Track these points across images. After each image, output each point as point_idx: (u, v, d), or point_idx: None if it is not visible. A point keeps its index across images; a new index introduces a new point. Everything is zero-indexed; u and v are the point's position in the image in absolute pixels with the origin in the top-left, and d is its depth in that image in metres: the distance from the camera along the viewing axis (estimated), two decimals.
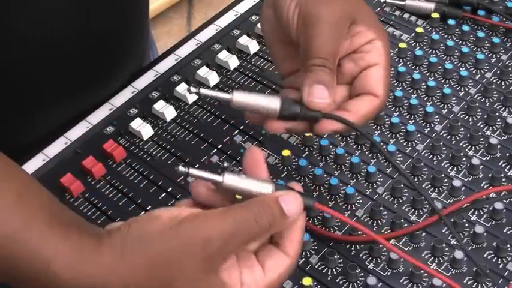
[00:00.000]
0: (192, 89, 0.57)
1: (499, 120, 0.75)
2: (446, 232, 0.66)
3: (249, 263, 0.53)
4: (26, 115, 0.79)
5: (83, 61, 0.79)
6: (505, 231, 0.66)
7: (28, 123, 0.80)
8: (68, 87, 0.79)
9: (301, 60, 0.61)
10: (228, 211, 0.52)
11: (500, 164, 0.71)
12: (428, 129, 0.75)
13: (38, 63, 0.75)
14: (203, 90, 0.57)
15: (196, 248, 0.50)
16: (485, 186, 0.69)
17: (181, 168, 0.54)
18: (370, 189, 0.70)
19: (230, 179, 0.54)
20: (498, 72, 0.79)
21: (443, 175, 0.70)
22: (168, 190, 0.72)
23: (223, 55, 0.83)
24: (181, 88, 0.80)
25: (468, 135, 0.73)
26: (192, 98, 0.80)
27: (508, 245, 0.64)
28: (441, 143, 0.72)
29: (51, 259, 0.50)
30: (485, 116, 0.75)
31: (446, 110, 0.76)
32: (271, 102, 0.59)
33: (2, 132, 0.78)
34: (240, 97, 0.59)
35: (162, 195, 0.72)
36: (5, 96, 0.76)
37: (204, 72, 0.82)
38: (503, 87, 0.78)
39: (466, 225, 0.66)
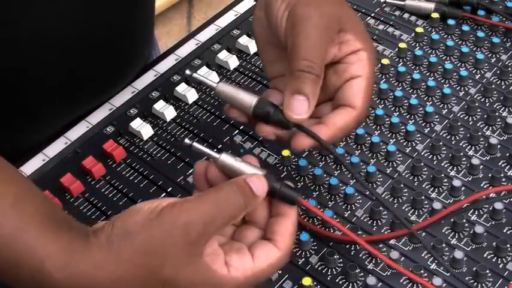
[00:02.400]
0: (187, 71, 0.62)
1: (498, 120, 0.75)
2: (446, 232, 0.66)
3: (239, 250, 0.55)
4: (32, 116, 0.79)
5: (90, 62, 0.79)
6: (504, 231, 0.66)
7: (34, 124, 0.80)
8: (75, 88, 0.79)
9: (288, 61, 0.60)
10: (204, 195, 0.54)
11: (500, 164, 0.71)
12: (428, 129, 0.75)
13: (44, 64, 0.75)
14: (195, 75, 0.62)
15: (177, 234, 0.52)
16: (485, 186, 0.69)
17: (187, 141, 0.58)
18: None
19: (226, 158, 0.57)
20: (498, 72, 0.79)
21: (443, 175, 0.70)
22: (168, 190, 0.72)
23: (223, 55, 0.84)
24: (181, 88, 0.80)
25: (468, 135, 0.73)
26: (192, 98, 0.80)
27: (508, 245, 0.64)
28: (441, 143, 0.72)
29: (44, 259, 0.51)
30: (485, 116, 0.75)
31: (446, 110, 0.76)
32: (248, 99, 0.61)
33: (6, 132, 0.78)
34: (223, 87, 0.61)
35: (162, 195, 0.71)
36: (11, 97, 0.76)
37: (204, 72, 0.82)
38: (503, 87, 0.78)
39: (466, 225, 0.66)
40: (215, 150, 0.58)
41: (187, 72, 0.62)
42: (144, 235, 0.52)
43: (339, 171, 0.72)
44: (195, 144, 0.58)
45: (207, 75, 0.81)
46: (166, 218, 0.52)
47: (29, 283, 0.52)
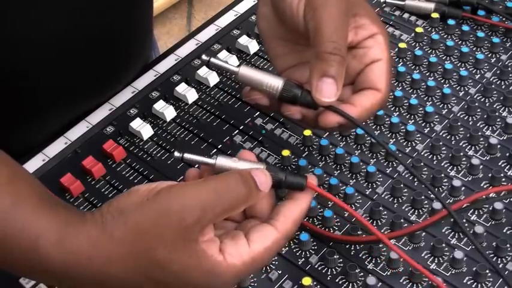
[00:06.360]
0: (204, 57, 0.59)
1: (498, 120, 0.75)
2: (446, 232, 0.66)
3: (234, 236, 0.54)
4: (31, 116, 0.79)
5: (89, 62, 0.79)
6: (504, 231, 0.66)
7: (33, 124, 0.80)
8: (73, 89, 0.79)
9: (312, 45, 0.60)
10: (206, 181, 0.53)
11: (500, 164, 0.71)
12: (428, 129, 0.75)
13: (44, 65, 0.75)
14: (214, 60, 0.59)
15: (172, 217, 0.51)
16: (485, 186, 0.69)
17: (176, 153, 0.56)
18: (370, 189, 0.70)
19: (222, 161, 0.56)
20: (498, 72, 0.79)
21: (443, 175, 0.70)
22: None
23: (223, 55, 0.83)
24: (181, 88, 0.80)
25: (468, 135, 0.73)
26: (191, 98, 0.80)
27: (508, 245, 0.64)
28: (441, 143, 0.72)
29: (39, 235, 0.51)
30: (485, 116, 0.75)
31: (446, 110, 0.76)
32: (274, 81, 0.60)
33: (6, 132, 0.78)
34: (247, 71, 0.60)
35: None
36: (11, 97, 0.76)
37: (204, 72, 0.82)
38: (503, 87, 0.78)
39: (466, 225, 0.66)
40: (210, 155, 0.56)
41: (204, 57, 0.59)
42: (138, 215, 0.51)
43: (339, 171, 0.72)
44: (186, 155, 0.56)
45: (207, 74, 0.81)
46: (163, 200, 0.51)
47: (22, 261, 0.52)
